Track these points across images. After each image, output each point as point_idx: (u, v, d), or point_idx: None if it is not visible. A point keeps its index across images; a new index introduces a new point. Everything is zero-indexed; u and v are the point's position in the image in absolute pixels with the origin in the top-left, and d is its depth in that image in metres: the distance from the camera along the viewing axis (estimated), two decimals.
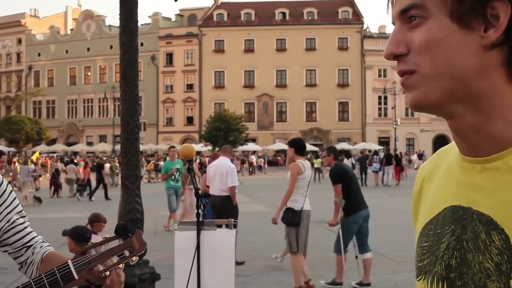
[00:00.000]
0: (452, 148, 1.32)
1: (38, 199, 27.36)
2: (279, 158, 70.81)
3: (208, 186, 12.28)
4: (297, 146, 10.16)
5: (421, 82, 1.16)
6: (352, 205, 9.96)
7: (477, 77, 1.13)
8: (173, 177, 17.30)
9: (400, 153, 49.57)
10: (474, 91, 1.14)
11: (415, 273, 1.32)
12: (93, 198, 29.83)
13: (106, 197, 29.05)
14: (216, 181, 12.00)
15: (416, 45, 1.16)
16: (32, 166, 39.24)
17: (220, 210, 11.56)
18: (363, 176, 38.07)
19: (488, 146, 1.15)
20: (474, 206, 1.17)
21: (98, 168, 31.88)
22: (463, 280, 1.17)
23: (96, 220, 8.53)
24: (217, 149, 66.02)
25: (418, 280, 1.28)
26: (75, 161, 40.05)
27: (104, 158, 44.73)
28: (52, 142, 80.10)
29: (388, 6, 1.24)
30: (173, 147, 18.45)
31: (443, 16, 1.13)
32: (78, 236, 6.41)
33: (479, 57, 1.12)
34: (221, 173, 11.96)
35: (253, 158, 61.62)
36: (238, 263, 11.97)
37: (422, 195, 1.38)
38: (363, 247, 10.12)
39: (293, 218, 9.77)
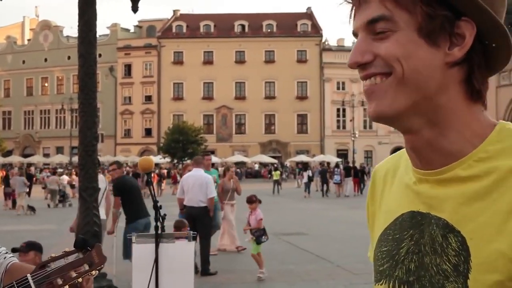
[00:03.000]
0: (404, 155, 1.37)
1: (31, 208, 28.19)
2: (263, 169, 70.90)
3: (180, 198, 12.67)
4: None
5: (390, 87, 1.19)
6: (132, 213, 11.29)
7: (437, 92, 1.19)
8: None
9: (362, 165, 50.33)
10: (433, 105, 1.19)
11: (374, 278, 1.35)
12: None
13: None
14: (194, 192, 12.24)
15: (384, 54, 1.19)
16: (64, 176, 39.81)
17: (197, 221, 11.91)
18: (324, 188, 39.62)
19: (441, 159, 1.22)
20: (432, 211, 1.23)
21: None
22: (421, 283, 1.22)
23: (182, 226, 9.92)
24: (175, 161, 66.01)
25: (380, 285, 1.32)
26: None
27: (61, 170, 44.40)
28: (8, 153, 78.98)
29: (350, 15, 1.27)
30: (208, 154, 15.95)
31: (411, 31, 1.18)
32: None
33: (441, 73, 1.18)
34: (201, 185, 12.27)
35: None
36: (210, 274, 12.08)
37: (380, 197, 1.43)
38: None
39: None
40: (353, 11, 1.27)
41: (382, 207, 1.41)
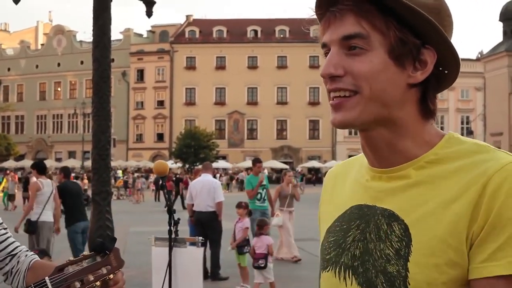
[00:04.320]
0: (357, 159, 1.56)
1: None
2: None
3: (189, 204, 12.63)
4: (38, 167, 12.08)
5: (359, 104, 1.34)
6: (71, 217, 11.91)
7: (397, 108, 1.35)
8: (258, 195, 14.21)
9: None
10: (393, 118, 1.36)
11: (321, 266, 1.49)
12: None
13: (183, 207, 29.15)
14: (202, 197, 12.22)
15: (356, 72, 1.33)
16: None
17: (206, 226, 12.02)
18: None
19: (395, 159, 1.38)
20: (378, 204, 1.39)
21: (176, 182, 35.73)
22: (364, 267, 1.36)
23: (264, 223, 10.74)
24: (187, 166, 66.01)
25: (326, 272, 1.46)
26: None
27: (73, 175, 44.58)
28: (21, 157, 79.19)
29: (324, 27, 1.42)
30: (260, 161, 15.02)
31: (382, 51, 1.32)
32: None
33: (403, 91, 1.35)
34: (209, 190, 12.24)
35: (243, 175, 61.91)
36: (221, 279, 12.03)
37: (330, 197, 1.58)
38: (78, 252, 10.66)
39: (29, 227, 11.42)
40: (326, 24, 1.41)
41: (331, 204, 1.56)
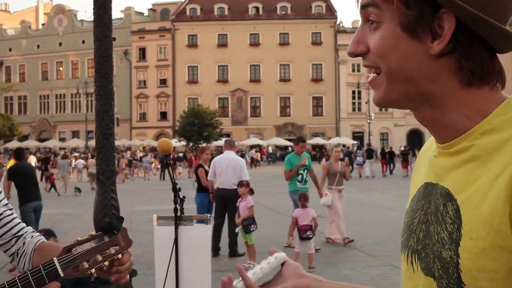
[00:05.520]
0: (433, 141, 1.40)
1: (78, 190, 29.72)
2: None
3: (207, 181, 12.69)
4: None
5: (382, 82, 1.25)
6: (23, 197, 12.24)
7: (428, 82, 1.21)
8: (299, 177, 13.23)
9: (391, 148, 51.20)
10: (426, 92, 1.23)
11: (401, 249, 1.39)
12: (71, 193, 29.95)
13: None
14: (228, 175, 12.26)
15: (372, 49, 1.24)
16: (80, 161, 41.73)
17: (229, 203, 12.16)
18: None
19: (447, 134, 1.25)
20: (439, 181, 1.27)
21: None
22: (426, 251, 1.26)
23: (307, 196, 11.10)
24: (190, 144, 66.11)
25: (402, 255, 1.37)
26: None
27: (77, 154, 44.91)
28: (24, 138, 79.32)
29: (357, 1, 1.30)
30: (304, 141, 13.97)
31: (394, 23, 1.20)
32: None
33: (427, 64, 1.20)
34: (234, 167, 12.33)
35: (253, 153, 62.23)
36: (239, 255, 12.15)
37: (415, 175, 1.46)
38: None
39: None
40: None
41: (412, 184, 1.45)
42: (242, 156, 59.29)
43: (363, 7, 1.25)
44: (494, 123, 1.19)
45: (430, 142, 1.44)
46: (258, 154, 63.85)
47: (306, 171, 13.21)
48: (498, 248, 1.10)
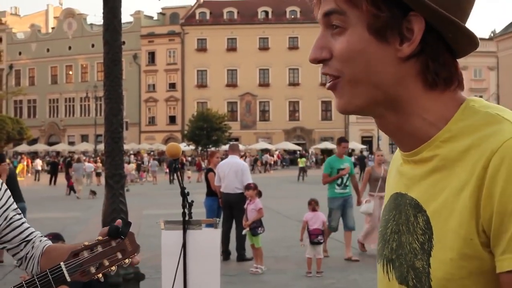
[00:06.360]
0: None
1: (93, 192, 29.57)
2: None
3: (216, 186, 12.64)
4: None
5: (344, 88, 1.23)
6: None
7: (394, 85, 1.21)
8: (339, 180, 12.24)
9: None
10: (392, 97, 1.22)
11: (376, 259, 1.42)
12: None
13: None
14: (230, 179, 12.28)
15: (336, 54, 1.22)
16: (90, 164, 41.60)
17: (234, 207, 12.15)
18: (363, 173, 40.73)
19: (410, 142, 1.25)
20: (408, 192, 1.28)
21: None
22: (399, 261, 1.27)
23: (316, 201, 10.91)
24: (199, 148, 66.17)
25: (378, 264, 1.38)
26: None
27: (84, 158, 45.10)
28: (34, 141, 79.58)
29: (314, 5, 1.29)
30: (346, 141, 13.05)
31: (361, 27, 1.19)
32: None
33: (395, 67, 1.20)
34: (236, 172, 12.30)
35: (268, 157, 62.42)
36: (246, 259, 12.13)
37: (387, 183, 1.47)
38: None
39: None
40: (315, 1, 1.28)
41: (386, 191, 1.45)
42: (256, 160, 59.72)
43: (327, 14, 1.23)
44: (454, 131, 1.20)
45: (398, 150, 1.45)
46: (271, 158, 63.93)
47: (347, 175, 12.33)
48: (466, 257, 1.13)
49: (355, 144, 68.99)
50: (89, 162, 43.78)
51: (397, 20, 1.17)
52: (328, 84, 1.28)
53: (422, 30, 1.17)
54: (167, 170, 45.01)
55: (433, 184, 1.21)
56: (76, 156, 42.54)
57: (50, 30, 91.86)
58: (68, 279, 2.18)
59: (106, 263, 2.20)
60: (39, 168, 51.46)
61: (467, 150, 1.16)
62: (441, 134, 1.21)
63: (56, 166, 44.41)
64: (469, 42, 1.21)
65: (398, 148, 1.42)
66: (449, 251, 1.15)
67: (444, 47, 1.21)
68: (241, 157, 18.79)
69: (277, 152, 70.38)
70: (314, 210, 10.99)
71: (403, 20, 1.17)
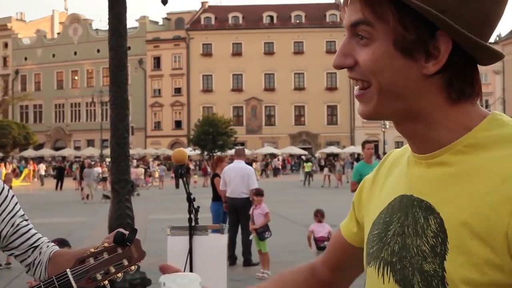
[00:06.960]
0: (406, 149, 1.42)
1: (107, 197, 29.03)
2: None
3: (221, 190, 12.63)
4: None
5: (373, 96, 1.25)
6: None
7: (418, 98, 1.23)
8: None
9: None
10: (415, 108, 1.24)
11: (365, 260, 1.41)
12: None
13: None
14: (236, 184, 12.28)
15: (362, 64, 1.24)
16: (97, 168, 41.45)
17: (240, 212, 12.16)
18: None
19: (428, 145, 1.27)
20: (416, 194, 1.28)
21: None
22: (402, 263, 1.26)
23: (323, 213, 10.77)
24: (205, 153, 66.18)
25: (370, 267, 1.37)
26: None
27: (93, 163, 45.17)
28: (39, 146, 79.69)
29: (342, 12, 1.30)
30: (369, 142, 12.33)
31: (387, 42, 1.21)
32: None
33: (419, 83, 1.22)
34: (242, 176, 12.30)
35: (276, 161, 62.54)
36: (253, 264, 12.12)
37: (383, 181, 1.47)
38: None
39: None
40: (343, 9, 1.30)
41: (382, 192, 1.45)
42: (267, 165, 59.83)
43: (355, 25, 1.24)
44: (479, 138, 1.22)
45: (402, 150, 1.47)
46: (280, 162, 63.98)
47: None
48: (491, 264, 1.12)
49: (361, 149, 68.78)
50: (100, 166, 43.87)
51: (425, 39, 1.19)
52: (356, 92, 1.29)
53: (448, 50, 1.19)
54: (173, 175, 45.01)
55: (451, 187, 1.21)
56: (87, 161, 42.69)
57: (55, 36, 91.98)
58: (75, 286, 2.18)
59: (112, 270, 2.19)
60: (43, 172, 51.57)
61: (494, 158, 1.17)
62: (465, 139, 1.23)
63: (63, 171, 44.43)
64: (494, 57, 1.24)
65: (395, 150, 1.50)
66: (471, 255, 1.14)
67: (470, 62, 1.23)
68: (252, 162, 18.39)
69: (285, 156, 70.40)
70: (319, 221, 10.84)
71: (431, 39, 1.19)
